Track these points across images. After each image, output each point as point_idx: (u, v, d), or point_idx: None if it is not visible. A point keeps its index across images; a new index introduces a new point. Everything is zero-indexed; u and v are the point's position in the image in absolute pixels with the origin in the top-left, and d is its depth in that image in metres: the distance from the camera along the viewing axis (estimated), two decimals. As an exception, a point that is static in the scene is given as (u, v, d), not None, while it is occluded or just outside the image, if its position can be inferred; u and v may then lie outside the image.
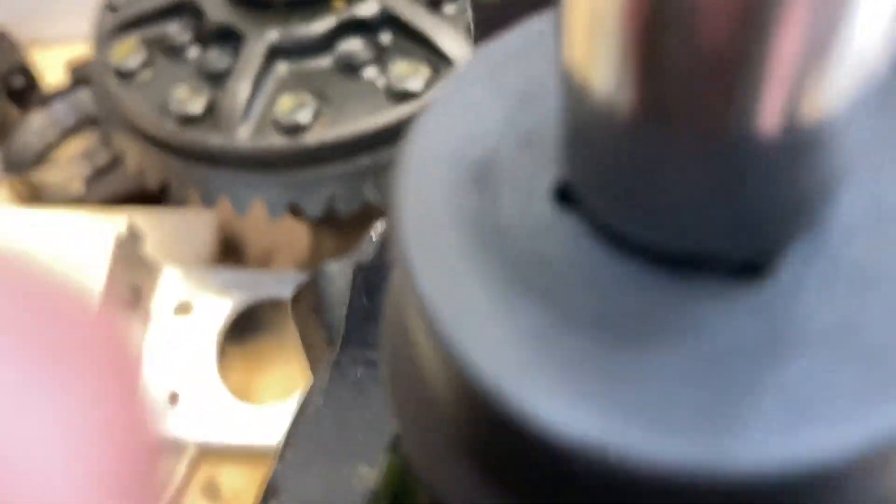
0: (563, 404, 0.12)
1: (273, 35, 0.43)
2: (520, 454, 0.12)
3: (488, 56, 0.15)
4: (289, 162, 0.41)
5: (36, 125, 0.56)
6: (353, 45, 0.43)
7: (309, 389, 0.25)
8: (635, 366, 0.12)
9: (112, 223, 0.47)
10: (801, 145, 0.12)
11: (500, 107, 0.15)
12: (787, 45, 0.10)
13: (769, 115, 0.11)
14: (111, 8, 0.49)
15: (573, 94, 0.12)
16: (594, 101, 0.12)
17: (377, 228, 0.25)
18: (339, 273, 0.27)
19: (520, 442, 0.12)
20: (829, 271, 0.12)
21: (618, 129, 0.12)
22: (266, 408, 0.46)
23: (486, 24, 0.24)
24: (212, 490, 0.46)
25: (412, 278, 0.13)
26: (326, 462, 0.23)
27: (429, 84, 0.42)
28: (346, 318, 0.25)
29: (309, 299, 0.27)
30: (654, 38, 0.11)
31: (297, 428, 0.25)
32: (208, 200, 0.44)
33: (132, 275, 0.48)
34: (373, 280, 0.25)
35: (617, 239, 0.13)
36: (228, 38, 0.44)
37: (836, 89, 0.11)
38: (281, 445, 0.24)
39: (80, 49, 0.53)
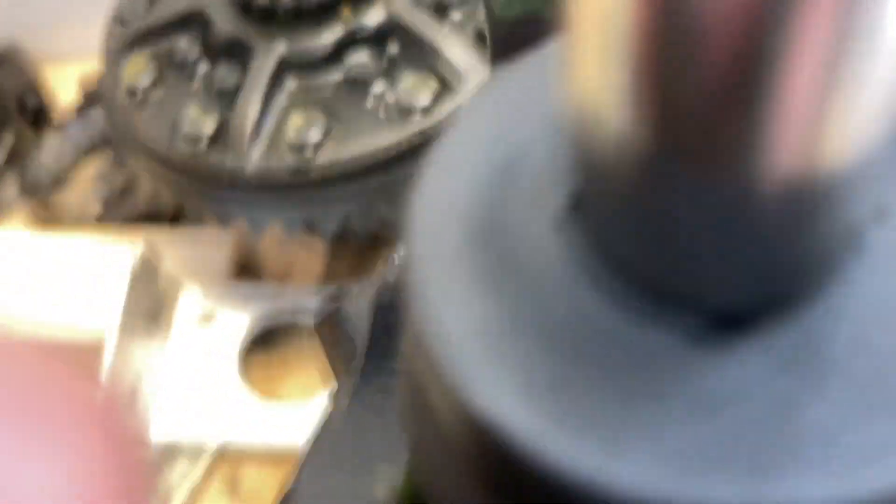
0: (572, 442, 0.12)
1: (281, 48, 0.43)
2: (536, 492, 0.12)
3: (535, 60, 0.15)
4: (302, 181, 0.42)
5: (51, 148, 0.57)
6: (361, 58, 0.43)
7: (332, 403, 0.26)
8: (631, 403, 0.12)
9: (130, 245, 0.48)
10: (814, 196, 0.11)
11: (540, 111, 0.14)
12: (799, 86, 0.10)
13: (782, 159, 0.11)
14: (120, 23, 0.49)
15: (577, 124, 0.12)
16: (597, 136, 0.12)
17: (401, 249, 0.26)
18: (362, 298, 0.27)
19: (535, 481, 0.12)
20: (799, 355, 0.12)
21: (620, 163, 0.12)
22: (287, 407, 0.47)
23: (502, 41, 0.24)
24: (232, 489, 0.46)
25: (412, 271, 0.13)
26: (345, 472, 0.24)
27: (437, 98, 0.42)
28: (370, 335, 0.25)
29: (333, 325, 0.27)
30: (661, 71, 0.10)
31: (319, 438, 0.25)
32: (224, 222, 0.44)
33: (151, 295, 0.48)
34: (396, 300, 0.25)
35: (610, 260, 0.13)
36: (237, 52, 0.44)
37: (850, 135, 0.11)
38: (302, 455, 0.25)
39: (92, 65, 0.53)
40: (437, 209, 0.14)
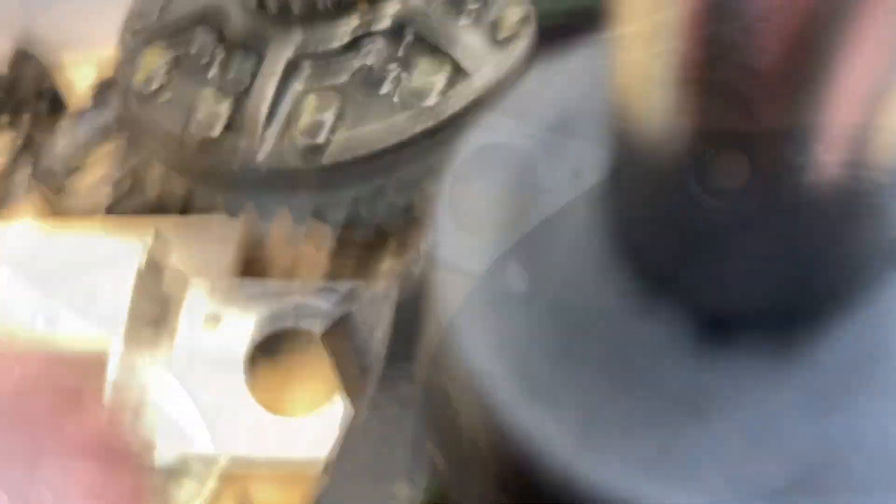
0: (551, 422, 0.12)
1: (295, 44, 0.43)
2: (516, 461, 0.12)
3: (587, 49, 0.15)
4: (313, 167, 0.42)
5: (65, 134, 0.57)
6: (375, 53, 0.44)
7: (356, 405, 0.26)
8: (623, 395, 0.12)
9: (138, 238, 0.48)
10: (855, 201, 0.11)
11: (589, 93, 0.15)
12: (847, 88, 0.10)
13: (829, 162, 0.10)
14: (137, 19, 0.49)
15: (620, 112, 0.12)
16: (639, 126, 0.12)
17: (424, 244, 0.25)
18: (371, 303, 0.27)
19: (514, 450, 0.12)
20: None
21: (659, 154, 0.11)
22: (296, 420, 0.46)
23: (548, 40, 0.24)
24: (244, 503, 0.46)
25: (441, 205, 0.14)
26: (369, 479, 0.24)
27: (450, 84, 0.42)
28: (392, 334, 0.25)
29: (342, 330, 0.27)
30: (708, 67, 0.10)
31: (343, 443, 0.25)
32: (233, 211, 0.44)
33: (159, 289, 0.48)
34: (417, 298, 0.25)
35: (628, 250, 0.13)
36: (250, 48, 0.45)
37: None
38: (328, 460, 0.25)
39: (108, 55, 0.54)
40: (473, 167, 0.14)
